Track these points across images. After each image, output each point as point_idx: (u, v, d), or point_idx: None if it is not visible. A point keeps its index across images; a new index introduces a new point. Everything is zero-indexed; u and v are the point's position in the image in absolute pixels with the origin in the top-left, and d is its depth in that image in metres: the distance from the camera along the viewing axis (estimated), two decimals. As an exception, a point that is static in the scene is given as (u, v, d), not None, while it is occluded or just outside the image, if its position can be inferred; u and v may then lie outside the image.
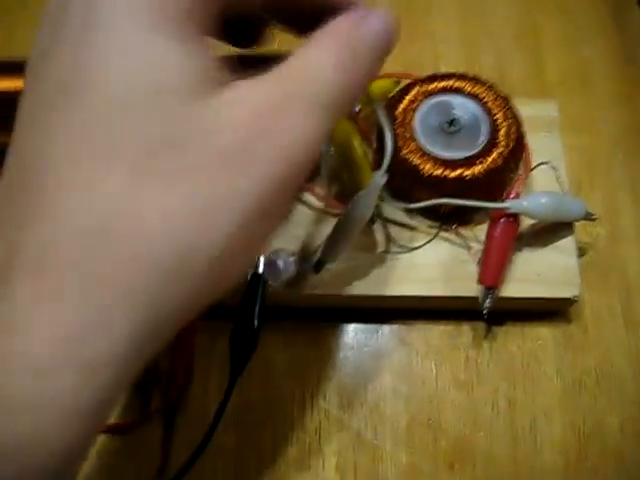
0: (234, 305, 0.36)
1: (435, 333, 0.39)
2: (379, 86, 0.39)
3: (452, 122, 0.37)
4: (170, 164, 0.18)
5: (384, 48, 0.22)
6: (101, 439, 0.37)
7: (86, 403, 0.18)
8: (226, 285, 0.20)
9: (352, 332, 0.40)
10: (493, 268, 0.36)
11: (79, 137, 0.18)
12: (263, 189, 0.19)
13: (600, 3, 0.50)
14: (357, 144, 0.36)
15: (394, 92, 0.40)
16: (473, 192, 0.36)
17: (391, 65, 0.47)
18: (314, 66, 0.20)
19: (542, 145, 0.40)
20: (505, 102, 0.38)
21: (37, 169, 0.19)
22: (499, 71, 0.47)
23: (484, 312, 0.36)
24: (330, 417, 0.38)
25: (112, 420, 0.38)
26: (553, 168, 0.39)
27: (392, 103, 0.39)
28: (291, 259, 0.33)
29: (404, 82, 0.41)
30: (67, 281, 0.17)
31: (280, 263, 0.33)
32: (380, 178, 0.33)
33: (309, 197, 0.39)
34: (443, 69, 0.42)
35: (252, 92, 0.19)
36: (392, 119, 0.38)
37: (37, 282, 0.17)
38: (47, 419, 0.17)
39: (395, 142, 0.35)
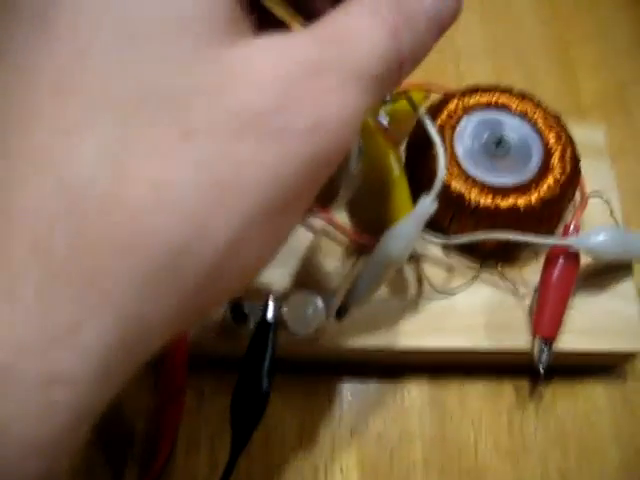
0: (226, 355, 0.29)
1: (472, 392, 0.33)
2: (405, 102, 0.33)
3: (500, 143, 0.32)
4: (173, 122, 0.14)
5: (446, 21, 0.19)
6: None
7: (41, 436, 0.13)
8: (228, 291, 0.16)
9: (374, 391, 0.33)
10: (551, 317, 0.30)
11: (46, 83, 0.14)
12: (285, 169, 0.15)
13: (637, 24, 0.45)
14: (394, 160, 0.29)
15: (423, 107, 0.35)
16: (524, 225, 0.31)
17: (409, 79, 0.41)
18: (361, 28, 0.16)
19: (590, 174, 0.35)
20: (557, 122, 0.33)
21: None
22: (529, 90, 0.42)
23: (541, 369, 0.30)
24: (349, 496, 0.31)
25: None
26: (606, 202, 0.34)
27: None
28: (320, 304, 0.27)
29: (434, 97, 0.35)
30: (21, 272, 0.13)
31: (309, 310, 0.26)
32: (428, 205, 0.27)
33: (324, 225, 0.33)
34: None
35: (284, 49, 0.15)
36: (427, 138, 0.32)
37: None
38: None
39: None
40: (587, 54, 0.44)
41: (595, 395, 0.33)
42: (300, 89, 0.15)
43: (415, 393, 0.33)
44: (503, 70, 0.43)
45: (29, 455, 0.13)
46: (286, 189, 0.15)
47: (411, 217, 0.27)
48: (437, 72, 0.42)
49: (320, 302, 0.27)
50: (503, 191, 0.31)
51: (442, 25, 0.19)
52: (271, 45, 0.16)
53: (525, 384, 0.33)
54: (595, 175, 0.35)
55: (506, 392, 0.33)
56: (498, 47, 0.44)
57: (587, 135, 0.36)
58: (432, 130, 0.27)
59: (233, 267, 0.16)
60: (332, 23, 0.16)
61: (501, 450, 0.32)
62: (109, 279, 0.14)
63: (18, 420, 0.13)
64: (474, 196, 0.30)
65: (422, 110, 0.28)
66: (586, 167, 0.34)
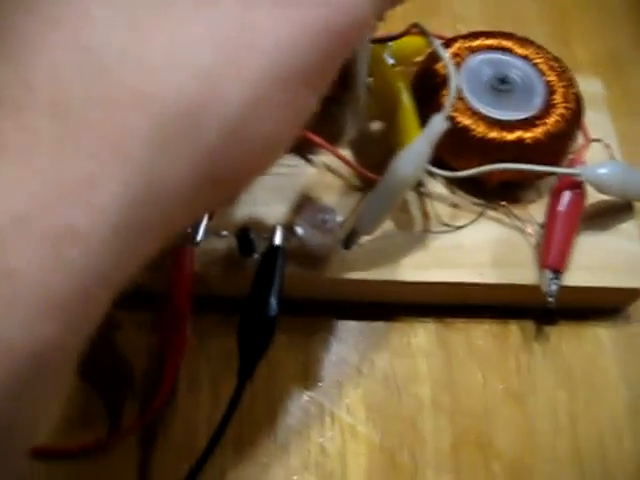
0: (231, 294, 0.28)
1: (478, 333, 0.33)
2: (410, 43, 0.34)
3: (504, 80, 0.32)
4: None
5: None
6: (58, 465, 0.28)
7: (59, 287, 0.13)
8: (245, 166, 0.16)
9: (380, 331, 0.32)
10: (559, 248, 0.30)
11: None
12: (300, 35, 0.15)
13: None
14: (403, 87, 0.29)
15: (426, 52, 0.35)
16: (530, 160, 0.31)
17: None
18: None
19: (590, 123, 0.35)
20: (558, 63, 0.33)
21: None
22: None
23: (550, 301, 0.30)
24: (357, 436, 0.30)
25: (71, 440, 0.28)
26: (607, 146, 0.34)
27: (431, 58, 0.33)
28: (335, 216, 0.26)
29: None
30: (37, 127, 0.13)
31: (327, 217, 0.26)
32: (440, 123, 0.27)
33: (329, 161, 0.33)
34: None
35: None
36: (433, 75, 0.32)
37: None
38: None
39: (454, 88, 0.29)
40: (582, 21, 0.45)
41: (600, 337, 0.33)
42: None
43: (422, 334, 0.32)
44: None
45: (43, 312, 0.13)
46: (301, 57, 0.16)
47: (422, 136, 0.27)
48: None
49: (335, 215, 0.26)
50: (509, 125, 0.31)
51: None
52: None
53: (530, 325, 0.33)
54: (595, 124, 0.35)
55: (512, 333, 0.33)
56: (495, 14, 0.45)
57: (585, 87, 0.37)
58: (440, 50, 0.27)
59: (250, 134, 0.16)
60: None
61: (510, 392, 0.31)
62: (124, 134, 0.14)
63: (30, 271, 0.13)
64: (481, 129, 0.31)
65: (432, 38, 0.28)
66: (586, 117, 0.35)
